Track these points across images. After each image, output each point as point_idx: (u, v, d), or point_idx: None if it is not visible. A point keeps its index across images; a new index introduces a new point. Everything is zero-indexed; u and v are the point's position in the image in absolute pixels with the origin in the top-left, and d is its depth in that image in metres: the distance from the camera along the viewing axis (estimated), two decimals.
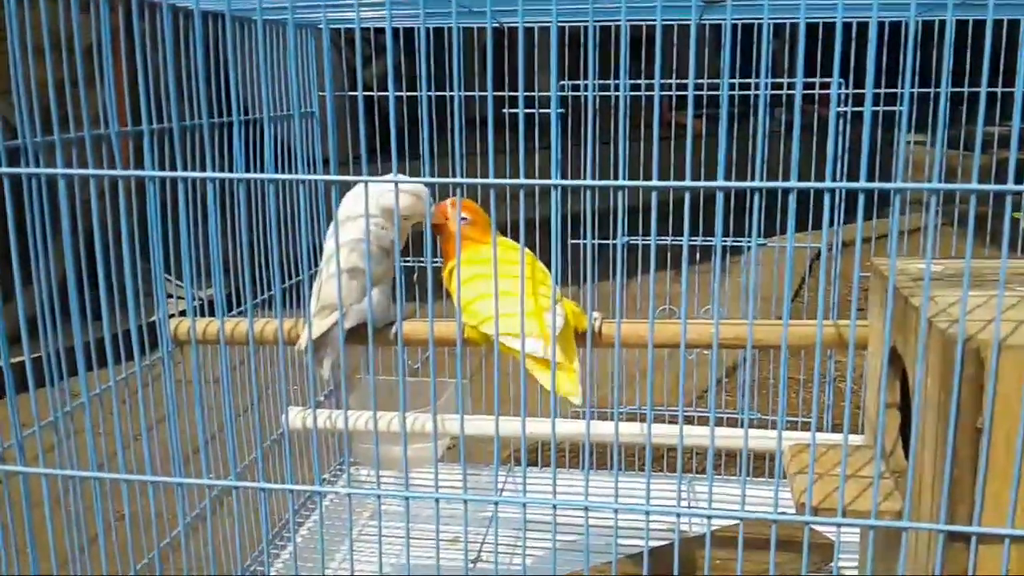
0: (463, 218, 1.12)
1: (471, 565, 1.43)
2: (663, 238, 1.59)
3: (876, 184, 0.67)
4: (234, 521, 1.14)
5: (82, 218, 0.88)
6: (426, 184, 0.74)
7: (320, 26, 1.48)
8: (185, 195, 0.79)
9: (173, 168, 0.78)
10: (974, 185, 0.65)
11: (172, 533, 1.15)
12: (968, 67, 1.36)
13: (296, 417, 1.15)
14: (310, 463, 1.61)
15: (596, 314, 1.08)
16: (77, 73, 0.79)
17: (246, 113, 1.32)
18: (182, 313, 1.20)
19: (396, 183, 0.75)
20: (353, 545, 1.25)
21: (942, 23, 1.44)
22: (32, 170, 0.81)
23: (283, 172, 1.41)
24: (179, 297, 1.31)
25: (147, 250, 1.08)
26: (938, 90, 0.70)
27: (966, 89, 1.43)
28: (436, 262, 1.19)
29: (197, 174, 0.77)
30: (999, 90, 1.37)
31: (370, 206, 1.05)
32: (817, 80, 1.42)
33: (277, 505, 1.60)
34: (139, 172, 0.78)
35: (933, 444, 0.71)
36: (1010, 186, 0.65)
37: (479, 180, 0.73)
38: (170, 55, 0.82)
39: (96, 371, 1.00)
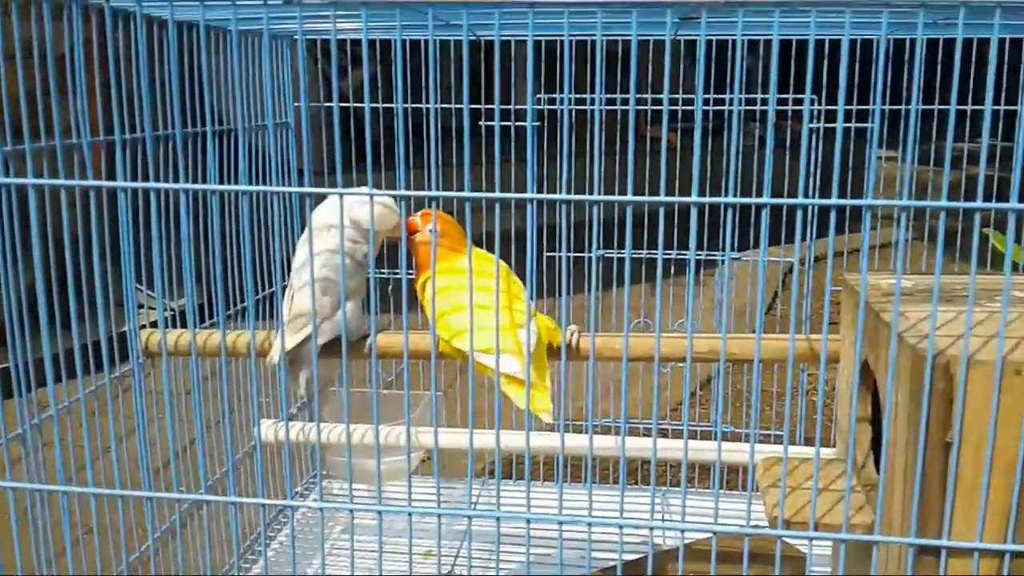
0: (431, 230, 1.11)
1: None
2: (638, 252, 1.60)
3: (847, 200, 0.68)
4: (205, 535, 1.13)
5: (52, 228, 0.87)
6: (401, 196, 0.74)
7: (296, 36, 1.47)
8: (157, 206, 0.78)
9: (146, 179, 0.78)
10: (943, 202, 0.66)
11: (141, 547, 1.13)
12: (939, 84, 1.38)
13: (268, 430, 1.14)
14: (282, 476, 1.60)
15: (573, 327, 1.08)
16: (49, 83, 0.79)
17: (220, 123, 1.32)
18: (153, 324, 1.19)
19: (371, 195, 0.75)
20: (325, 559, 1.24)
21: (912, 40, 1.46)
22: (2, 180, 0.80)
23: (257, 183, 1.40)
24: (150, 308, 1.30)
25: (119, 261, 1.07)
26: (909, 107, 0.71)
27: (936, 106, 1.45)
28: (411, 274, 1.19)
29: (169, 185, 0.76)
30: (968, 108, 1.39)
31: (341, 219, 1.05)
32: (790, 96, 1.44)
33: (249, 519, 1.58)
34: (111, 183, 0.78)
35: (903, 458, 0.72)
36: (977, 203, 0.66)
37: (454, 193, 0.73)
38: (144, 65, 0.81)
39: (65, 383, 0.99)
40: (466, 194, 0.72)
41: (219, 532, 1.39)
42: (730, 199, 0.68)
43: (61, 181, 0.77)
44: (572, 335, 1.07)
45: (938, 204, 0.65)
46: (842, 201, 0.67)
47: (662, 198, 0.69)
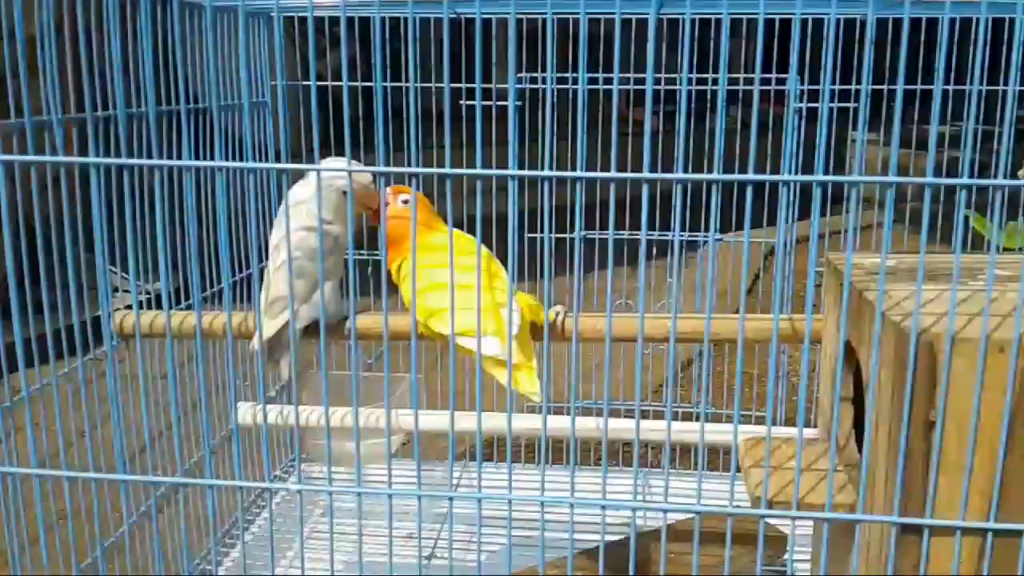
0: (404, 201, 1.09)
1: (425, 562, 1.41)
2: (620, 233, 1.59)
3: (833, 177, 0.67)
4: (181, 520, 1.11)
5: (23, 211, 0.85)
6: (379, 174, 0.72)
7: (272, 14, 1.45)
8: (130, 184, 0.76)
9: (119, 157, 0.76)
10: (929, 179, 0.66)
11: (117, 532, 1.12)
12: (921, 65, 1.37)
13: (246, 413, 1.13)
14: (261, 460, 1.58)
15: (558, 307, 1.06)
16: (18, 62, 0.76)
17: (195, 102, 1.29)
18: (128, 308, 1.17)
19: (349, 172, 0.73)
20: (305, 543, 1.23)
21: (888, 21, 1.45)
22: None
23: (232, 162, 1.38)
24: (125, 291, 1.28)
25: (92, 242, 1.04)
26: (892, 87, 0.70)
27: (919, 87, 1.44)
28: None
29: (143, 161, 0.74)
30: (951, 87, 1.39)
31: (313, 199, 1.03)
32: (773, 76, 1.43)
33: (226, 503, 1.57)
34: (82, 159, 0.76)
35: (886, 437, 0.71)
36: (964, 179, 0.65)
37: (434, 169, 0.72)
38: (116, 41, 0.79)
39: (38, 368, 0.97)
40: (446, 170, 0.71)
41: (197, 517, 1.38)
42: (715, 176, 0.67)
43: (30, 157, 0.75)
44: (556, 315, 1.06)
45: (925, 180, 0.64)
46: (828, 177, 0.66)
47: (646, 174, 0.68)
